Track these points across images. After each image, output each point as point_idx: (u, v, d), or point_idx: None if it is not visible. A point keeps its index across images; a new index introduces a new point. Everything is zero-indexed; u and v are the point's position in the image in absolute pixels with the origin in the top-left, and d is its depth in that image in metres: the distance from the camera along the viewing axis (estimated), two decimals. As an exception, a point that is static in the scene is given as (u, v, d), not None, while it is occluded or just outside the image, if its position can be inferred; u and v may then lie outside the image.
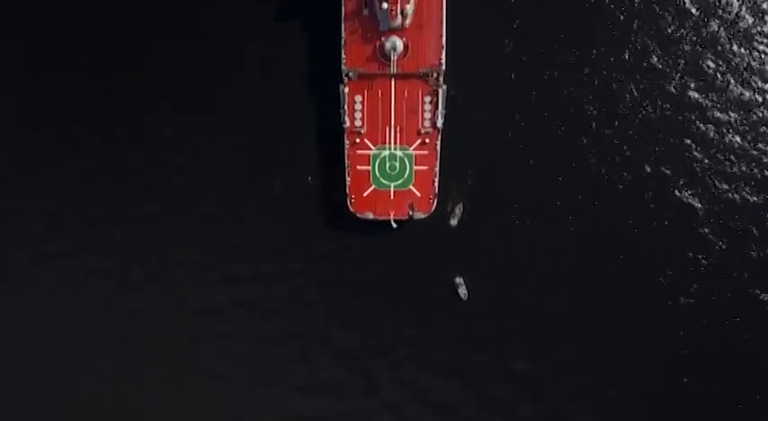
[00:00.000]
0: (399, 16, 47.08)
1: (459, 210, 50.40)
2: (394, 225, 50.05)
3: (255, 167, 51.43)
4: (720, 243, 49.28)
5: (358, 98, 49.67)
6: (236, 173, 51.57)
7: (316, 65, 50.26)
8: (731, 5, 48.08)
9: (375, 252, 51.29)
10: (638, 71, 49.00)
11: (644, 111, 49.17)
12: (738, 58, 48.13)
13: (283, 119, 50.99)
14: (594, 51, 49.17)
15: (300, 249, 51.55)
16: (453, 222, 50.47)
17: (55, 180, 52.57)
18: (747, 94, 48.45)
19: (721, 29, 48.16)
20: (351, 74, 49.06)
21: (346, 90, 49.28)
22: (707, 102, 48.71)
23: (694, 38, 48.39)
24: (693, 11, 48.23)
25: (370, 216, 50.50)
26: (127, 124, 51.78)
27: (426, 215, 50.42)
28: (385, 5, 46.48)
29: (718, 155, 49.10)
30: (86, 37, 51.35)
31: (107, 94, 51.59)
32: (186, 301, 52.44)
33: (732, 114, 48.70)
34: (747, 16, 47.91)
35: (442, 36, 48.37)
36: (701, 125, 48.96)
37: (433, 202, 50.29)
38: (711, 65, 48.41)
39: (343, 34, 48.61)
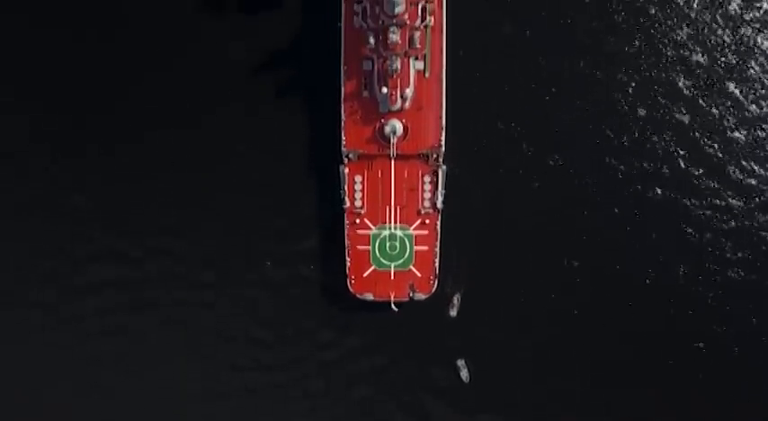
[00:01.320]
0: (399, 100, 47.57)
1: (457, 301, 50.10)
2: (395, 308, 49.38)
3: (254, 247, 50.87)
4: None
5: (358, 178, 49.65)
6: (236, 253, 50.94)
7: (315, 144, 50.38)
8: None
9: (375, 336, 50.53)
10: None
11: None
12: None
13: (283, 198, 50.71)
14: (593, 131, 50.05)
15: (300, 335, 50.75)
16: (452, 313, 50.11)
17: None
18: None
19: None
20: (351, 155, 49.24)
21: (346, 170, 49.30)
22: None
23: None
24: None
25: (371, 297, 49.84)
26: (130, 215, 51.45)
27: (427, 296, 49.86)
28: (385, 90, 46.95)
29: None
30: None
31: (107, 176, 51.43)
32: (186, 388, 51.06)
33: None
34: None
35: (441, 117, 48.80)
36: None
37: (434, 283, 49.79)
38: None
39: (342, 115, 48.92)
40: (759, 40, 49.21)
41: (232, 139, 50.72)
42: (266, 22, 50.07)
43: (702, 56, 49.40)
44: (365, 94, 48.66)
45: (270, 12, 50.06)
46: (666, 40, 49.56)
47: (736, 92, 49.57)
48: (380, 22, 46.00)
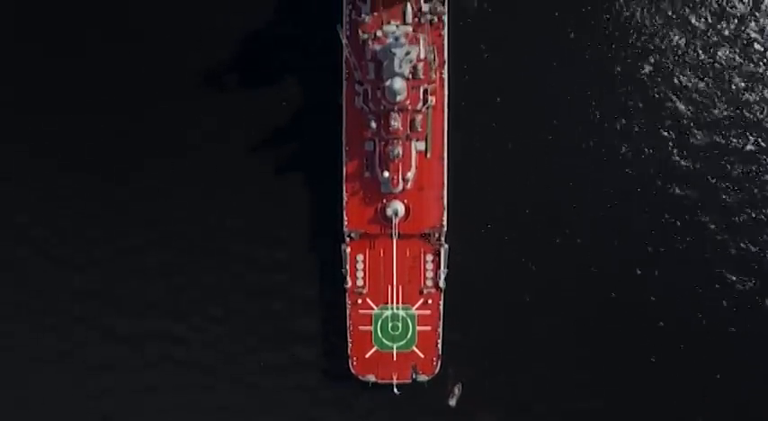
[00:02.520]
0: (401, 182, 47.50)
1: (458, 391, 49.54)
2: (397, 391, 48.68)
3: (253, 330, 50.40)
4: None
5: (360, 257, 49.29)
6: (235, 337, 50.48)
7: (316, 223, 50.18)
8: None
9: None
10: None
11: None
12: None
13: (282, 278, 50.39)
14: (598, 209, 49.99)
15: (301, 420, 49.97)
16: (452, 403, 49.48)
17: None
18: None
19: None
20: (353, 234, 48.98)
21: (348, 249, 48.97)
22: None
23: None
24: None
25: (372, 379, 49.14)
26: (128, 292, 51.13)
27: (430, 377, 49.19)
28: (387, 174, 46.87)
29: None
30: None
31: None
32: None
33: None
34: None
35: (443, 197, 48.65)
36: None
37: (437, 364, 49.18)
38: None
39: (344, 195, 48.79)
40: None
41: (232, 218, 50.46)
42: (267, 99, 50.14)
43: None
44: (366, 174, 48.53)
45: (270, 89, 50.26)
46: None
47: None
48: (382, 107, 46.16)
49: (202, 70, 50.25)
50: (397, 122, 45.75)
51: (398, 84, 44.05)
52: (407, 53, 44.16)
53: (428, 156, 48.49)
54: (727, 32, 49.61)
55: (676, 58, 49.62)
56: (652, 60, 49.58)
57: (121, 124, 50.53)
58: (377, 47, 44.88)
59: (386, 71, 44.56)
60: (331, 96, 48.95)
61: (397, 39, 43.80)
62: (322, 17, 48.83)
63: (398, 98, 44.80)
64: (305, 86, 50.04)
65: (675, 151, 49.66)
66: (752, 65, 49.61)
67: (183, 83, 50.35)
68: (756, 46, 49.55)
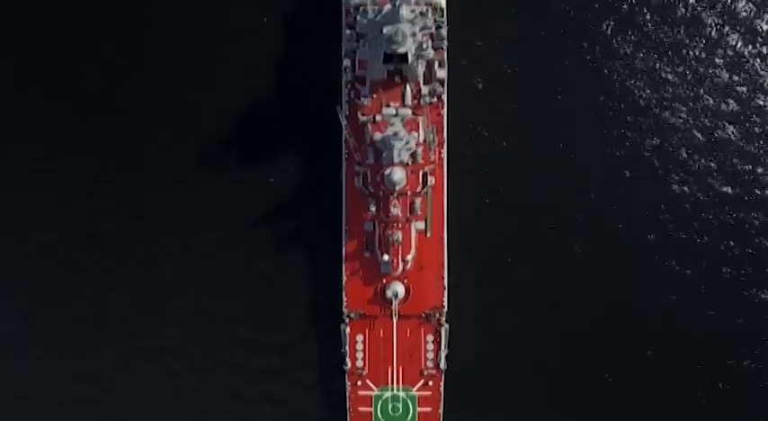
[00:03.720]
0: (401, 263, 47.24)
1: None
2: None
3: (251, 412, 49.73)
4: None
5: (359, 338, 48.76)
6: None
7: (316, 303, 49.92)
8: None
9: None
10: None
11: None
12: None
13: (282, 357, 49.92)
14: (593, 294, 49.70)
15: None
16: None
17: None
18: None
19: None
20: (352, 315, 48.56)
21: (347, 330, 48.47)
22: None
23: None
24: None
25: None
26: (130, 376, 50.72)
27: (431, 459, 48.59)
28: (386, 258, 46.64)
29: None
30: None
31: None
32: None
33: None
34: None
35: (443, 277, 48.35)
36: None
37: (438, 446, 48.61)
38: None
39: (344, 276, 48.46)
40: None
41: (231, 300, 50.18)
42: (266, 178, 50.28)
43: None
44: (366, 254, 48.28)
45: (270, 167, 50.29)
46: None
47: None
48: (381, 192, 46.05)
49: (201, 149, 50.50)
50: (396, 209, 45.66)
51: (398, 175, 44.06)
52: (407, 143, 44.17)
53: (428, 235, 48.27)
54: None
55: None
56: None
57: (124, 212, 50.77)
58: (376, 136, 44.86)
59: (385, 160, 44.55)
60: (331, 176, 48.99)
61: (396, 134, 43.72)
62: (322, 96, 49.04)
63: (398, 187, 44.74)
64: (305, 165, 50.19)
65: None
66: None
67: (184, 163, 50.45)
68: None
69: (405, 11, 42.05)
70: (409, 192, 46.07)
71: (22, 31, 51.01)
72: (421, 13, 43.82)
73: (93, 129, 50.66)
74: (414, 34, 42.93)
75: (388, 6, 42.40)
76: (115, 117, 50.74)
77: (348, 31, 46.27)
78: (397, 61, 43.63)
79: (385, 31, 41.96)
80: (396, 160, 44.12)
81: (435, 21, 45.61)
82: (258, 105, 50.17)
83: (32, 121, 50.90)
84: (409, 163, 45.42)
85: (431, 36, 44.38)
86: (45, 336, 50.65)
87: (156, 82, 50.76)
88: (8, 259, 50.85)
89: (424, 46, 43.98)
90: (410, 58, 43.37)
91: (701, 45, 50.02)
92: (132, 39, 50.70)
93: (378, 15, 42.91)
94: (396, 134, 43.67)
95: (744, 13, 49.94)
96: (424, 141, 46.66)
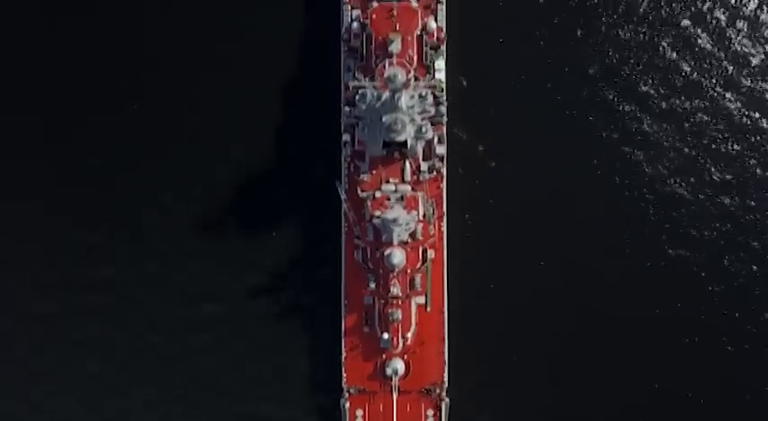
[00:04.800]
0: (401, 342, 46.95)
1: None
2: None
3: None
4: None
5: (359, 412, 48.17)
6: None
7: (315, 376, 49.52)
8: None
9: None
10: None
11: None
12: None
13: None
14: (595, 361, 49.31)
15: None
16: None
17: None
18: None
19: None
20: (352, 390, 48.14)
21: (347, 404, 47.97)
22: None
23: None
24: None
25: None
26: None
27: None
28: (386, 336, 46.37)
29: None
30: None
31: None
32: None
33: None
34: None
35: (444, 352, 48.00)
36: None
37: None
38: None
39: (343, 351, 48.11)
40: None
41: (230, 374, 49.80)
42: (265, 249, 50.02)
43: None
44: (366, 329, 47.90)
45: (269, 239, 50.12)
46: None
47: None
48: (381, 269, 45.89)
49: (199, 222, 50.27)
50: (396, 288, 45.49)
51: (398, 258, 43.95)
52: (407, 223, 44.09)
53: (428, 309, 47.99)
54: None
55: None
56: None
57: (121, 281, 50.39)
58: (376, 220, 44.73)
59: (385, 240, 44.46)
60: (330, 248, 48.85)
61: (395, 219, 43.63)
62: (322, 169, 49.19)
63: (397, 270, 44.62)
64: (304, 237, 49.96)
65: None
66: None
67: (181, 233, 50.29)
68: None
69: (404, 101, 42.21)
70: (409, 270, 45.93)
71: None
72: (420, 96, 43.96)
73: (89, 198, 50.65)
74: (413, 120, 43.05)
75: (387, 94, 42.51)
76: (113, 186, 50.68)
77: (347, 109, 46.41)
78: (396, 147, 43.76)
79: (384, 119, 42.10)
80: (395, 242, 44.03)
81: (435, 97, 45.77)
82: (256, 176, 50.10)
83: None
84: (409, 241, 45.35)
85: (430, 118, 44.50)
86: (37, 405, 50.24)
87: (156, 149, 50.74)
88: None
89: (423, 129, 44.06)
90: (409, 143, 43.44)
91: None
92: (120, 113, 50.85)
93: (377, 102, 43.00)
94: (395, 220, 43.55)
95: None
96: (424, 216, 46.66)
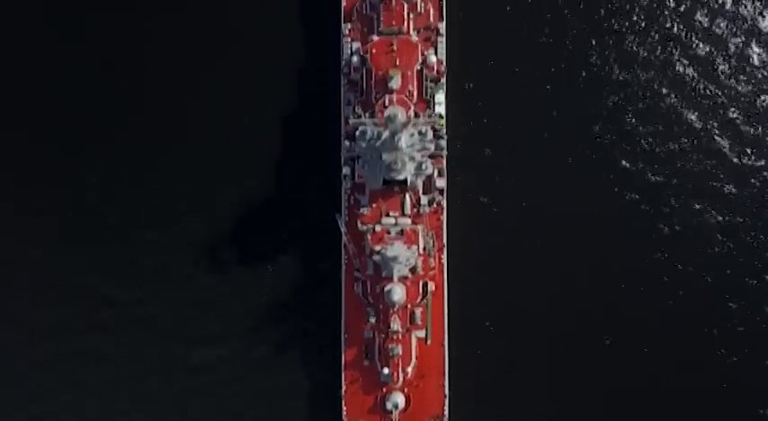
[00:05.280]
0: (401, 377, 46.76)
1: None
2: None
3: None
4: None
5: (361, 444, 48.21)
6: None
7: (316, 411, 49.23)
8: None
9: None
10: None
11: None
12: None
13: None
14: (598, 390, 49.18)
15: None
16: None
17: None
18: None
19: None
20: (352, 422, 48.11)
21: (349, 437, 47.94)
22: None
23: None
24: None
25: None
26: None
27: None
28: (386, 370, 46.17)
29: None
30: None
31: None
32: None
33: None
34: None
35: (444, 386, 47.78)
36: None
37: None
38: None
39: (343, 384, 47.87)
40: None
41: (231, 405, 49.40)
42: (265, 281, 49.95)
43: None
44: (366, 363, 47.67)
45: (269, 270, 49.96)
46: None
47: None
48: (381, 304, 45.75)
49: (201, 256, 50.21)
50: (396, 324, 45.32)
51: (398, 295, 43.79)
52: (407, 260, 43.98)
53: (428, 342, 47.78)
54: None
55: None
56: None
57: (119, 324, 50.24)
58: (376, 255, 44.60)
59: (385, 275, 44.33)
60: (330, 280, 48.71)
61: (396, 257, 43.52)
62: (322, 202, 49.08)
63: (397, 306, 44.52)
64: (304, 270, 49.74)
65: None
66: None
67: (181, 270, 50.19)
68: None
69: (404, 141, 42.18)
70: (409, 305, 45.82)
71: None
72: (420, 133, 43.93)
73: (88, 239, 50.61)
74: (413, 158, 43.02)
75: (387, 133, 42.47)
76: (112, 225, 50.66)
77: (347, 143, 46.39)
78: (396, 183, 43.72)
79: (384, 157, 42.06)
80: (395, 278, 43.92)
81: (435, 131, 45.76)
82: (256, 210, 50.03)
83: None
84: (409, 275, 45.25)
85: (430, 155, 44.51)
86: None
87: (156, 185, 50.70)
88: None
89: (424, 166, 44.02)
90: (409, 180, 43.40)
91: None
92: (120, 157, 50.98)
93: (377, 140, 42.96)
94: (395, 258, 43.42)
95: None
96: (424, 249, 46.56)
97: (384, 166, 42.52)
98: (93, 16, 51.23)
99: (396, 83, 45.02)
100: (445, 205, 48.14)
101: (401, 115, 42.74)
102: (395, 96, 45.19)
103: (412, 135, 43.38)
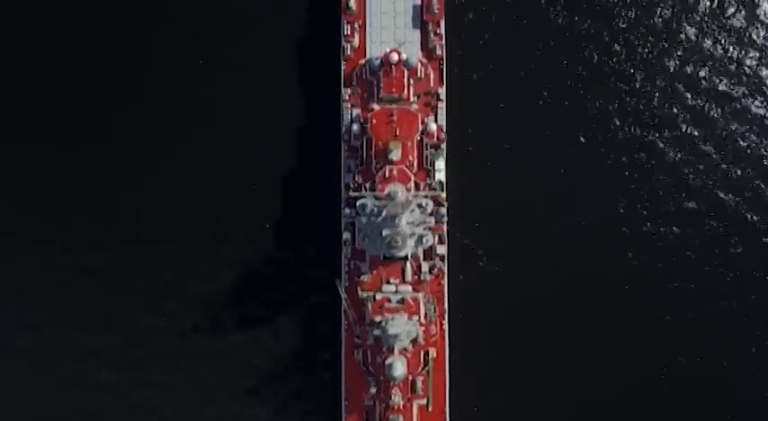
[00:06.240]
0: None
1: None
2: None
3: None
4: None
5: None
6: None
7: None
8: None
9: None
10: None
11: None
12: None
13: None
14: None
15: None
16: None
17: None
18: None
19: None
20: (353, 492, 47.45)
21: None
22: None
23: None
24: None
25: None
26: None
27: None
28: None
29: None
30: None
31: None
32: None
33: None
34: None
35: None
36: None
37: None
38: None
39: (344, 454, 47.61)
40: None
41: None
42: (264, 343, 49.50)
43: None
44: (366, 425, 47.50)
45: (268, 332, 49.62)
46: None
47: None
48: (381, 376, 45.37)
49: (200, 322, 49.87)
50: (397, 397, 44.89)
51: (399, 371, 43.44)
52: (408, 333, 43.68)
53: (429, 409, 47.36)
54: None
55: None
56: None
57: (125, 383, 49.87)
58: (376, 330, 44.26)
59: (385, 348, 44.01)
60: (330, 346, 48.38)
61: (397, 336, 43.24)
62: (322, 266, 48.90)
63: (398, 380, 44.15)
64: (304, 335, 49.42)
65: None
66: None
67: (181, 337, 49.87)
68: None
69: (405, 220, 41.99)
70: (410, 376, 45.43)
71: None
72: (420, 206, 43.72)
73: (89, 300, 50.17)
74: (413, 234, 42.81)
75: (387, 211, 42.24)
76: (113, 288, 50.31)
77: (347, 210, 46.20)
78: (397, 259, 43.62)
79: (384, 233, 41.83)
80: (397, 351, 43.60)
81: (436, 197, 45.57)
82: (256, 274, 49.76)
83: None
84: (410, 347, 44.93)
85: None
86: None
87: (157, 250, 50.37)
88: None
89: (425, 240, 43.80)
90: (410, 255, 43.23)
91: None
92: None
93: (377, 217, 42.73)
94: (397, 336, 43.10)
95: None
96: (425, 316, 46.25)
97: (384, 244, 42.32)
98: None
99: (396, 155, 44.90)
100: (446, 270, 47.93)
101: (401, 193, 42.61)
102: (395, 169, 45.07)
103: (412, 211, 43.17)
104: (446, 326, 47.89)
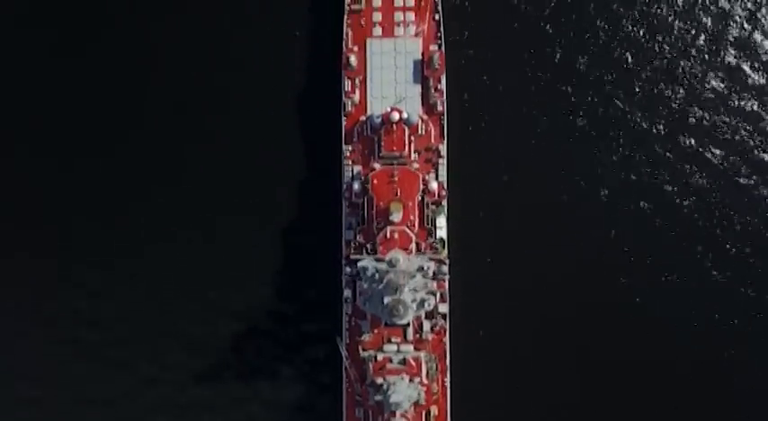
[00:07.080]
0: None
1: None
2: None
3: None
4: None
5: None
6: None
7: None
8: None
9: None
10: None
11: None
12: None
13: None
14: None
15: None
16: None
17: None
18: None
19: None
20: None
21: None
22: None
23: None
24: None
25: None
26: None
27: None
28: None
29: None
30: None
31: None
32: None
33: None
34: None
35: None
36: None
37: None
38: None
39: None
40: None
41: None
42: (263, 396, 49.39)
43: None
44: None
45: (268, 387, 49.49)
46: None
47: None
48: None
49: (199, 376, 49.61)
50: (399, 449, 44.58)
51: (401, 433, 43.20)
52: (409, 398, 43.43)
53: None
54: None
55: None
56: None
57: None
58: (377, 395, 43.95)
59: (386, 413, 43.72)
60: (331, 404, 48.09)
61: (399, 404, 42.97)
62: (323, 326, 48.72)
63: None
64: (305, 392, 49.16)
65: None
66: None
67: (180, 388, 49.63)
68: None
69: (407, 288, 41.82)
70: None
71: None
72: (421, 269, 43.51)
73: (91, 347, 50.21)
74: (414, 300, 42.67)
75: (388, 277, 42.06)
76: (113, 338, 50.26)
77: (348, 269, 46.02)
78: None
79: (386, 300, 41.66)
80: (398, 415, 43.36)
81: (437, 258, 45.41)
82: (256, 330, 49.58)
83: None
84: (411, 410, 44.65)
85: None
86: None
87: (157, 299, 50.32)
88: None
89: (426, 304, 43.61)
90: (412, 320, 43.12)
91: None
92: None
93: (379, 283, 42.52)
94: (398, 404, 42.82)
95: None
96: (427, 374, 45.98)
97: (386, 312, 42.13)
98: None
99: (397, 217, 44.74)
100: (448, 327, 47.67)
101: (402, 260, 42.42)
102: (396, 230, 44.95)
103: (413, 277, 42.98)
104: (448, 383, 47.64)
